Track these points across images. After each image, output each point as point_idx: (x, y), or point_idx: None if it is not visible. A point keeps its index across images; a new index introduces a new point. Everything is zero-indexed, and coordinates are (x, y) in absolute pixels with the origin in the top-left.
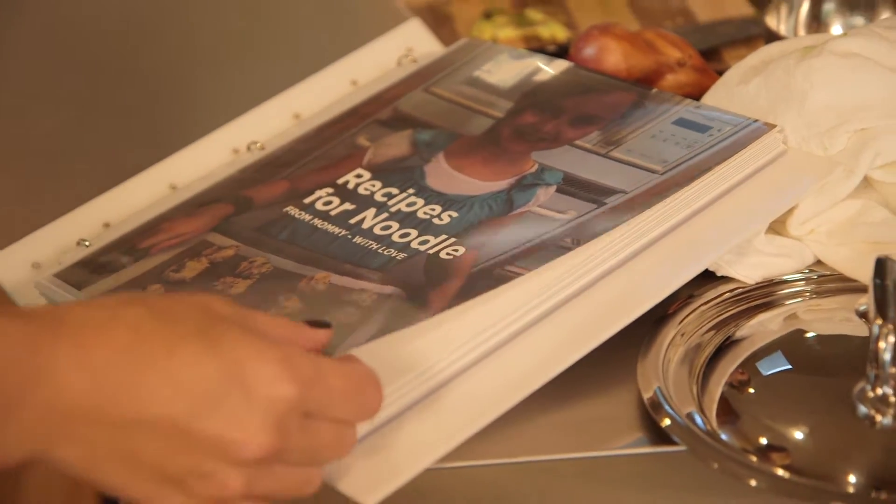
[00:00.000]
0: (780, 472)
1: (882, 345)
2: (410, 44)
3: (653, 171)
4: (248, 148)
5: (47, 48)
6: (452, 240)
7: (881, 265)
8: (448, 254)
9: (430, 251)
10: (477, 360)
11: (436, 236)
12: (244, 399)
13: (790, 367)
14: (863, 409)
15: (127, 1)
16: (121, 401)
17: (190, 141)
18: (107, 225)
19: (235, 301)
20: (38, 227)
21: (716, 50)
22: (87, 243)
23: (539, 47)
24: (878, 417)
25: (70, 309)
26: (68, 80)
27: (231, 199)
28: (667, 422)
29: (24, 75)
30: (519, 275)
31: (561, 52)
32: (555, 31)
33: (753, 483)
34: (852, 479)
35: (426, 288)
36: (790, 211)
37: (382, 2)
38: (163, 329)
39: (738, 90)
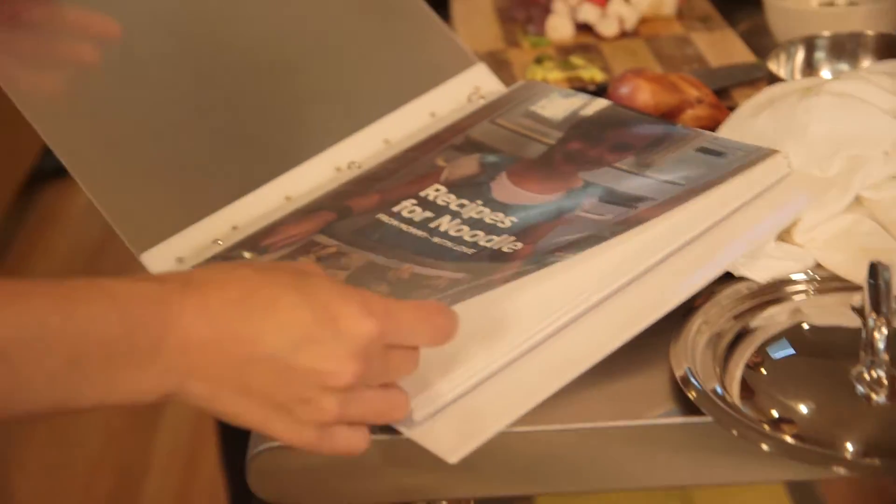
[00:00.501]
0: (790, 439)
1: (876, 335)
2: (478, 83)
3: (678, 185)
4: (349, 167)
5: (196, 86)
6: (513, 238)
7: (874, 268)
8: (509, 247)
9: (494, 247)
10: (540, 342)
11: (499, 236)
12: (334, 336)
13: (795, 352)
14: (860, 388)
15: (255, 50)
16: (236, 342)
17: (301, 160)
18: (235, 227)
19: None
20: (182, 229)
21: (726, 90)
22: (219, 242)
23: (581, 87)
24: (874, 396)
25: (194, 272)
26: (208, 111)
27: (334, 207)
28: (695, 395)
29: (175, 105)
30: (566, 259)
31: (599, 91)
32: (594, 74)
33: (766, 447)
34: (851, 447)
35: (490, 271)
36: (795, 222)
37: (454, 49)
38: (267, 283)
39: (748, 123)
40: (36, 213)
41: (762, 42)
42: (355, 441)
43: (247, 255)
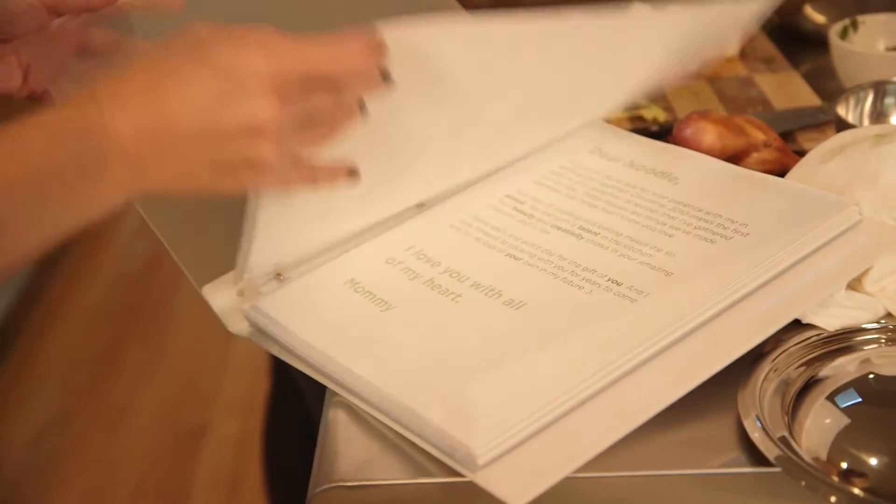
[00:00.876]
0: (859, 492)
1: None
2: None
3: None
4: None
5: None
6: None
7: None
8: None
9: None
10: (607, 386)
11: None
12: (240, 87)
13: (865, 403)
14: None
15: None
16: (161, 127)
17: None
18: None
19: None
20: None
21: (791, 133)
22: (280, 276)
23: (643, 126)
24: None
25: (96, 84)
26: None
27: None
28: (763, 444)
29: None
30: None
31: (663, 131)
32: (656, 114)
33: (834, 500)
34: None
35: None
36: (866, 271)
37: None
38: (165, 63)
39: (818, 169)
40: (84, 236)
41: (826, 85)
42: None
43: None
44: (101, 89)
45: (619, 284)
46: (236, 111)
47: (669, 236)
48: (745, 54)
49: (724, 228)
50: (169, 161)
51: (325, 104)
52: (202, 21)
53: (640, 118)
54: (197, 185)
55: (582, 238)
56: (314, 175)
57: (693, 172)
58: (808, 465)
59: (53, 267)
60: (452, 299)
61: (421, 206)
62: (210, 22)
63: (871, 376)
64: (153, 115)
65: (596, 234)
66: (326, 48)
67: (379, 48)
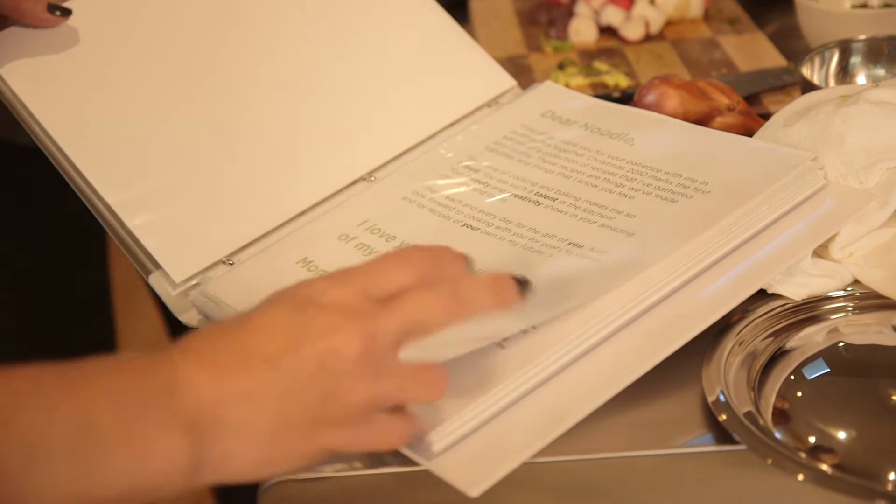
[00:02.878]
0: (828, 469)
1: None
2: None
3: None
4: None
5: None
6: None
7: None
8: None
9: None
10: (564, 366)
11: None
12: (318, 311)
13: (834, 374)
14: None
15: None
16: (233, 372)
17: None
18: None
19: None
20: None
21: (756, 96)
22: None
23: (605, 93)
24: None
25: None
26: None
27: None
28: (727, 421)
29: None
30: None
31: (624, 97)
32: (618, 80)
33: (801, 478)
34: (893, 477)
35: None
36: (832, 237)
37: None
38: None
39: (783, 132)
40: None
41: (793, 45)
42: (400, 426)
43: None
44: (184, 343)
45: (579, 247)
46: (320, 341)
47: (629, 198)
48: (709, 15)
49: (685, 188)
50: (256, 414)
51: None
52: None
53: (603, 84)
54: (283, 430)
55: (540, 204)
56: (395, 431)
57: (650, 133)
58: (775, 441)
59: None
60: None
61: (373, 180)
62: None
63: (840, 345)
64: (230, 363)
65: (554, 199)
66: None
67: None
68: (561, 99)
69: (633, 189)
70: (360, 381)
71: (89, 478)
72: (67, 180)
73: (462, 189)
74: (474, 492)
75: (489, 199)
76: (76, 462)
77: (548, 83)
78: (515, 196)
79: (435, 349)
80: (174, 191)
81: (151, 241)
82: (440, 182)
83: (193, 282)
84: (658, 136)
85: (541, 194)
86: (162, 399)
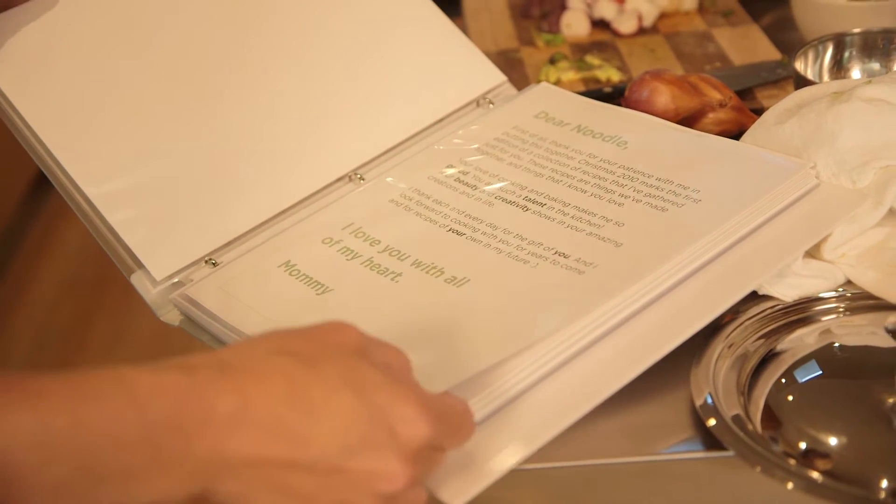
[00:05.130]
0: (818, 476)
1: None
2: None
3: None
4: (350, 178)
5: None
6: None
7: None
8: None
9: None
10: (550, 372)
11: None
12: (389, 440)
13: (826, 376)
14: None
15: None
16: (282, 445)
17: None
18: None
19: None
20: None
21: (750, 90)
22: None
23: (597, 89)
24: None
25: (228, 356)
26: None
27: None
28: (716, 426)
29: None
30: None
31: (616, 92)
32: (610, 74)
33: (791, 486)
34: (885, 485)
35: None
36: (824, 238)
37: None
38: (315, 381)
39: (774, 130)
40: (47, 210)
41: (787, 37)
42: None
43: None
44: (232, 367)
45: (566, 257)
46: (373, 459)
47: (619, 205)
48: (703, 7)
49: (676, 195)
50: (265, 480)
51: (437, 464)
52: (345, 321)
53: (594, 79)
54: None
55: (528, 210)
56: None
57: (643, 137)
58: (764, 448)
59: (18, 241)
60: (392, 279)
61: (360, 178)
62: (355, 329)
63: (832, 347)
64: (281, 429)
65: (542, 204)
66: (460, 419)
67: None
68: (555, 100)
69: (622, 196)
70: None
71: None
72: (46, 173)
73: (450, 192)
74: (458, 502)
75: (477, 203)
76: (66, 490)
77: (543, 85)
78: (503, 200)
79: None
80: (156, 186)
81: (132, 237)
82: (429, 184)
83: (175, 279)
84: (652, 140)
85: (529, 199)
86: (181, 437)
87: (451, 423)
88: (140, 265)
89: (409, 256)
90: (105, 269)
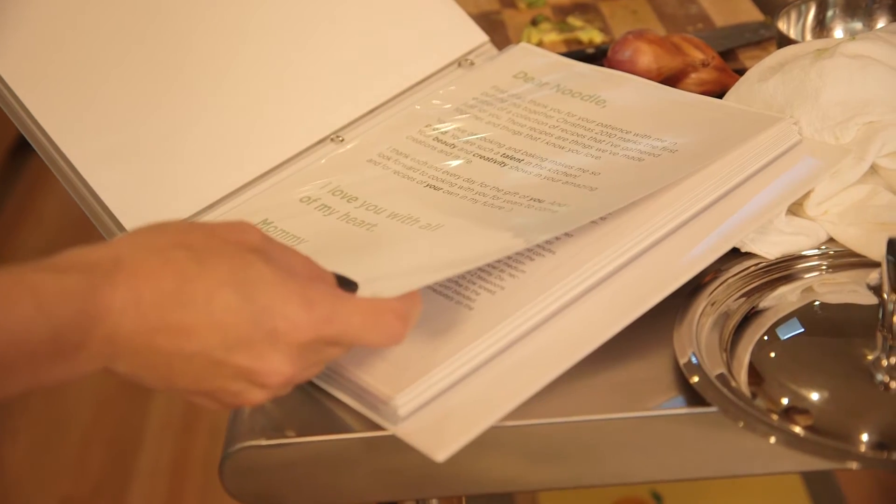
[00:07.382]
0: (800, 431)
1: None
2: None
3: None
4: (332, 139)
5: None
6: None
7: (892, 244)
8: None
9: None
10: (533, 327)
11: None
12: (270, 340)
13: (808, 333)
14: (878, 376)
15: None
16: (166, 336)
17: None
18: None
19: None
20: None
21: (732, 51)
22: None
23: (579, 50)
24: (893, 384)
25: (123, 250)
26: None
27: None
28: (699, 383)
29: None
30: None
31: (599, 54)
32: (592, 36)
33: (773, 440)
34: (866, 438)
35: None
36: (806, 194)
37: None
38: (202, 275)
39: (758, 87)
40: (26, 178)
41: None
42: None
43: None
44: (126, 262)
45: (540, 202)
46: (252, 356)
47: (596, 158)
48: None
49: (654, 147)
50: (153, 367)
51: (335, 355)
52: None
53: (577, 41)
54: (170, 389)
55: (505, 165)
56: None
57: (622, 95)
58: (747, 404)
59: None
60: (368, 229)
61: (341, 140)
62: (258, 230)
63: (814, 305)
64: (165, 321)
65: (520, 160)
66: (367, 319)
67: (406, 329)
68: (534, 60)
69: (600, 150)
70: (262, 396)
71: None
72: (26, 135)
73: (428, 151)
74: (440, 456)
75: (455, 162)
76: None
77: (522, 45)
78: (481, 157)
79: (407, 277)
80: (136, 149)
81: (113, 199)
82: (408, 143)
83: None
84: (630, 98)
85: (507, 155)
86: (80, 331)
87: (351, 322)
88: (121, 227)
89: (386, 210)
90: (83, 239)
